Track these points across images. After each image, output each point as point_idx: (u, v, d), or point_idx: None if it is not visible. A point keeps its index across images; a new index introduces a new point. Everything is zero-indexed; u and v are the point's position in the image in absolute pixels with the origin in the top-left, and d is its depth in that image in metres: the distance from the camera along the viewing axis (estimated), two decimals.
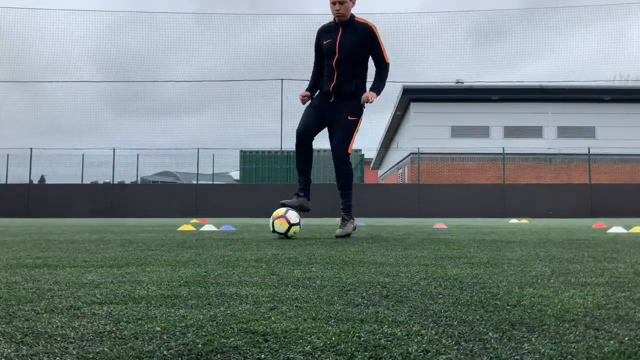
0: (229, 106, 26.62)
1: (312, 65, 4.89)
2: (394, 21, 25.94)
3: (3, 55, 24.84)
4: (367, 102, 4.64)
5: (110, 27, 26.88)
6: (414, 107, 26.29)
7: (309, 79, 4.93)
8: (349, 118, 4.67)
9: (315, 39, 4.80)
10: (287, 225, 4.33)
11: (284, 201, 4.68)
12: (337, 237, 4.59)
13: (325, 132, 4.88)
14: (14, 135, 25.53)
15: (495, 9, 27.32)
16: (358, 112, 4.72)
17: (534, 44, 26.75)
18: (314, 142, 4.82)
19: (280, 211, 4.43)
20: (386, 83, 4.81)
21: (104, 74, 25.84)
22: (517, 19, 26.95)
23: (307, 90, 4.84)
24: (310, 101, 4.83)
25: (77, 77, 25.41)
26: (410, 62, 26.41)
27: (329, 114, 4.71)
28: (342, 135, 4.65)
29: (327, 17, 4.80)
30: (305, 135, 4.68)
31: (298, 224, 4.40)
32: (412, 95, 26.06)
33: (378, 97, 4.70)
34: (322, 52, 4.73)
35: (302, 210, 4.65)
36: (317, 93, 4.85)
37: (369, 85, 4.80)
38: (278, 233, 4.36)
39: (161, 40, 26.89)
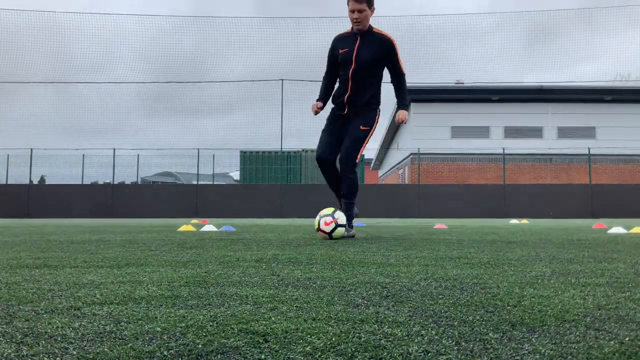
0: (230, 106, 26.62)
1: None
2: (440, 22, 25.88)
3: (41, 56, 24.83)
4: (402, 123, 4.73)
5: (112, 32, 26.88)
6: (414, 108, 26.29)
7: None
8: (361, 128, 4.66)
9: (330, 47, 4.73)
10: (334, 226, 4.32)
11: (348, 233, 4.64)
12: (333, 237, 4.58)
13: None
14: (42, 134, 25.51)
15: (549, 10, 27.06)
16: (370, 123, 4.72)
17: (582, 45, 26.48)
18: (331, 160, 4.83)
19: (328, 210, 4.40)
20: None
21: (101, 76, 25.87)
22: (567, 20, 26.54)
23: (318, 99, 4.81)
24: (325, 121, 4.84)
25: (80, 78, 25.43)
26: (456, 62, 26.23)
27: (343, 127, 4.73)
28: (351, 144, 4.63)
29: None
30: (324, 160, 4.73)
31: (344, 225, 4.39)
32: (413, 96, 26.03)
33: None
34: (337, 60, 4.67)
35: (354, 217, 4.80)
36: (331, 110, 4.83)
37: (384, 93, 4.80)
38: (323, 232, 4.34)
39: (164, 44, 26.92)
